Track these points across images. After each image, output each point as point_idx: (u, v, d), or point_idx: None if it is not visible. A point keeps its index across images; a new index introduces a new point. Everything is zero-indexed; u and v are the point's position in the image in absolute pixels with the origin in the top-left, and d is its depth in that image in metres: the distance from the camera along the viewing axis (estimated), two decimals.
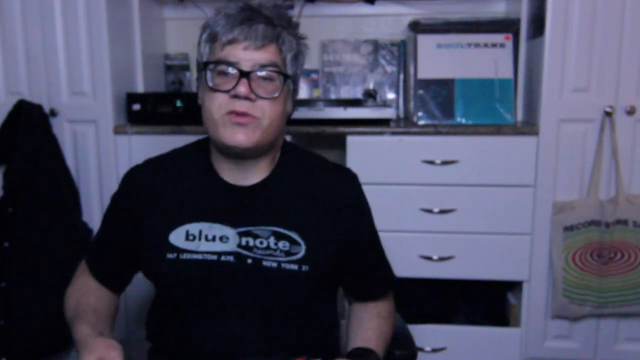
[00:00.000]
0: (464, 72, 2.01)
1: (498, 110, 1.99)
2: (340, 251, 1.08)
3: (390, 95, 2.33)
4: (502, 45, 2.03)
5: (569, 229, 1.91)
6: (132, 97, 2.07)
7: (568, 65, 1.87)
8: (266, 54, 1.00)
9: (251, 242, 1.04)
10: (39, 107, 2.00)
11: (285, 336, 1.05)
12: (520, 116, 2.13)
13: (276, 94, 1.01)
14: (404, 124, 2.03)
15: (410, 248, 1.98)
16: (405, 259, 1.99)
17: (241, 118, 0.99)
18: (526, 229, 1.94)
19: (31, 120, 1.97)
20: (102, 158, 2.04)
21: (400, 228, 1.98)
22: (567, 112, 1.89)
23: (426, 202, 1.95)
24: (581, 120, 1.89)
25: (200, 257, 1.03)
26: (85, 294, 1.11)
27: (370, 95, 2.14)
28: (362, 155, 1.95)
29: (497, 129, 1.91)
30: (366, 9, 2.34)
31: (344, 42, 2.35)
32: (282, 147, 1.13)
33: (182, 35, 2.43)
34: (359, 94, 2.30)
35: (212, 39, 1.03)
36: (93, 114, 2.04)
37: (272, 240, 1.04)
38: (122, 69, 2.10)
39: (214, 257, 1.03)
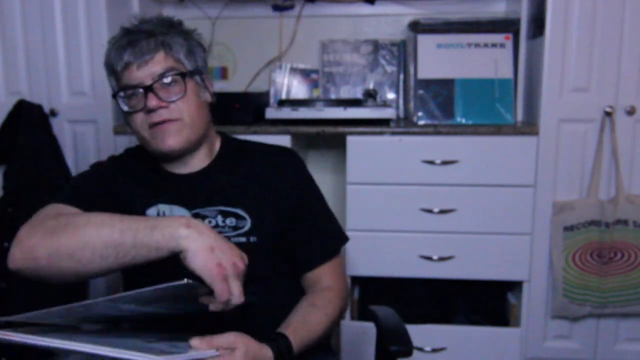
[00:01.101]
0: (464, 72, 2.01)
1: (498, 110, 1.99)
2: (285, 219, 1.15)
3: (390, 95, 2.33)
4: (502, 45, 2.03)
5: (569, 229, 1.91)
6: None
7: (568, 65, 1.87)
8: (158, 64, 1.09)
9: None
10: (39, 107, 2.00)
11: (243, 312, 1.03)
12: (520, 116, 2.13)
13: (182, 94, 1.09)
14: (404, 124, 2.03)
15: (410, 248, 1.98)
16: (405, 259, 1.99)
17: (164, 126, 1.08)
18: (526, 229, 1.94)
19: (31, 120, 1.97)
20: (102, 158, 2.04)
21: (400, 228, 1.98)
22: (567, 112, 1.89)
23: (426, 202, 1.95)
24: (581, 120, 1.89)
25: None
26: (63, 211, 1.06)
27: (370, 95, 2.14)
28: (362, 155, 1.95)
29: (497, 129, 1.91)
30: (366, 9, 2.34)
31: (344, 42, 2.35)
32: (222, 140, 1.23)
33: None
34: (359, 94, 2.29)
35: (112, 71, 1.12)
36: (93, 114, 2.04)
37: (219, 218, 1.13)
38: None
39: None
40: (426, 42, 2.05)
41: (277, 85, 2.39)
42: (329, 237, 1.22)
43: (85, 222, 0.95)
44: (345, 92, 2.35)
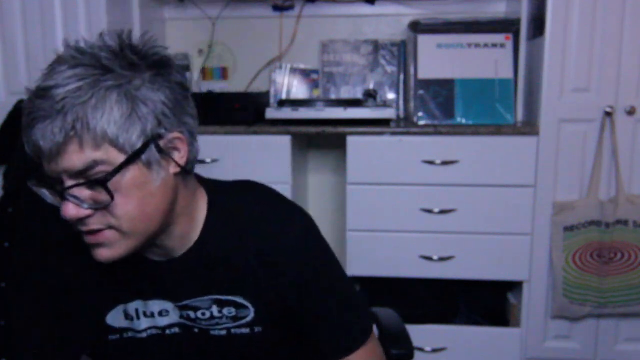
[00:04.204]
0: (464, 72, 2.01)
1: (498, 110, 1.99)
2: (294, 302, 0.90)
3: (390, 95, 2.33)
4: (502, 45, 2.03)
5: (569, 229, 1.91)
6: None
7: (568, 65, 1.87)
8: (70, 159, 0.73)
9: (192, 314, 0.91)
10: None
11: None
12: (520, 116, 2.13)
13: (108, 202, 0.75)
14: (404, 124, 2.03)
15: (410, 248, 1.98)
16: (405, 259, 1.99)
17: (92, 237, 0.79)
18: (526, 229, 1.94)
19: None
20: None
21: (400, 228, 1.98)
22: (567, 112, 1.89)
23: (426, 202, 1.95)
24: (581, 120, 1.89)
25: (144, 334, 0.93)
26: None
27: (370, 95, 2.14)
28: (362, 155, 1.95)
29: (497, 129, 1.91)
30: (366, 9, 2.34)
31: (344, 42, 2.35)
32: (209, 204, 0.90)
33: (182, 35, 2.43)
34: (359, 94, 2.29)
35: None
36: None
37: (214, 309, 0.90)
38: None
39: (158, 332, 0.93)
40: (426, 42, 2.05)
41: (277, 85, 2.39)
42: (355, 314, 0.96)
43: None
44: (345, 92, 2.35)
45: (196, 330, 0.93)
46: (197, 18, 2.36)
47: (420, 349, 2.00)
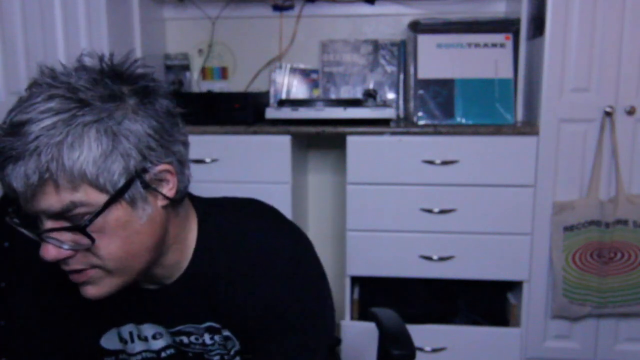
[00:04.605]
0: (464, 72, 2.01)
1: (498, 110, 1.99)
2: (258, 334, 0.85)
3: (390, 95, 2.33)
4: (502, 45, 2.03)
5: (569, 229, 1.91)
6: None
7: (568, 65, 1.87)
8: (47, 201, 0.68)
9: (185, 339, 0.89)
10: None
11: None
12: (520, 116, 2.13)
13: (90, 244, 0.71)
14: (404, 124, 2.03)
15: (410, 248, 1.98)
16: (405, 259, 1.99)
17: (77, 276, 0.75)
18: (526, 229, 1.94)
19: None
20: None
21: (400, 228, 1.98)
22: (567, 112, 1.89)
23: (426, 202, 1.95)
24: (581, 120, 1.89)
25: (139, 357, 0.92)
26: None
27: (370, 95, 2.14)
28: (362, 155, 1.95)
29: (497, 129, 1.91)
30: (366, 9, 2.34)
31: (344, 42, 2.35)
32: (199, 227, 0.86)
33: (182, 35, 2.43)
34: (359, 94, 2.30)
35: None
36: None
37: (207, 337, 0.88)
38: None
39: (153, 355, 0.91)
40: (426, 42, 2.05)
41: (277, 85, 2.39)
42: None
43: None
44: (345, 92, 2.35)
45: (191, 355, 0.91)
46: (197, 18, 2.36)
47: (420, 349, 2.00)
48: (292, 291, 0.83)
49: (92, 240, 0.70)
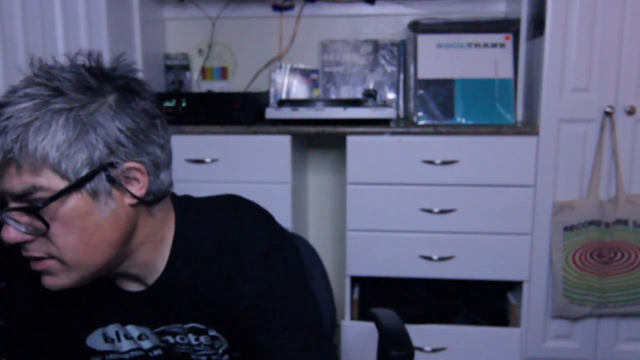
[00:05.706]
0: (464, 72, 2.01)
1: (498, 110, 1.99)
2: (251, 331, 0.85)
3: (390, 95, 2.33)
4: (502, 45, 2.03)
5: (569, 229, 1.91)
6: None
7: (568, 65, 1.87)
8: (9, 182, 0.70)
9: (171, 339, 0.89)
10: None
11: None
12: (520, 116, 2.13)
13: (45, 229, 0.71)
14: (404, 124, 2.03)
15: (410, 248, 1.98)
16: (405, 259, 1.99)
17: (36, 264, 0.76)
18: (526, 229, 1.94)
19: None
20: None
21: (400, 228, 1.98)
22: (567, 112, 1.89)
23: (426, 202, 1.95)
24: (581, 120, 1.89)
25: (127, 356, 0.92)
26: None
27: (370, 95, 2.14)
28: (362, 155, 1.95)
29: (497, 129, 1.91)
30: (366, 9, 2.34)
31: (344, 42, 2.35)
32: (176, 228, 0.85)
33: (182, 35, 2.43)
34: (359, 94, 2.30)
35: None
36: None
37: (191, 336, 0.88)
38: None
39: (142, 353, 0.91)
40: (426, 42, 2.05)
41: (277, 85, 2.39)
42: (312, 345, 0.86)
43: None
44: (345, 92, 2.35)
45: (179, 354, 0.91)
46: (197, 18, 2.37)
47: (420, 349, 2.00)
48: (270, 285, 0.83)
49: (47, 225, 0.71)
